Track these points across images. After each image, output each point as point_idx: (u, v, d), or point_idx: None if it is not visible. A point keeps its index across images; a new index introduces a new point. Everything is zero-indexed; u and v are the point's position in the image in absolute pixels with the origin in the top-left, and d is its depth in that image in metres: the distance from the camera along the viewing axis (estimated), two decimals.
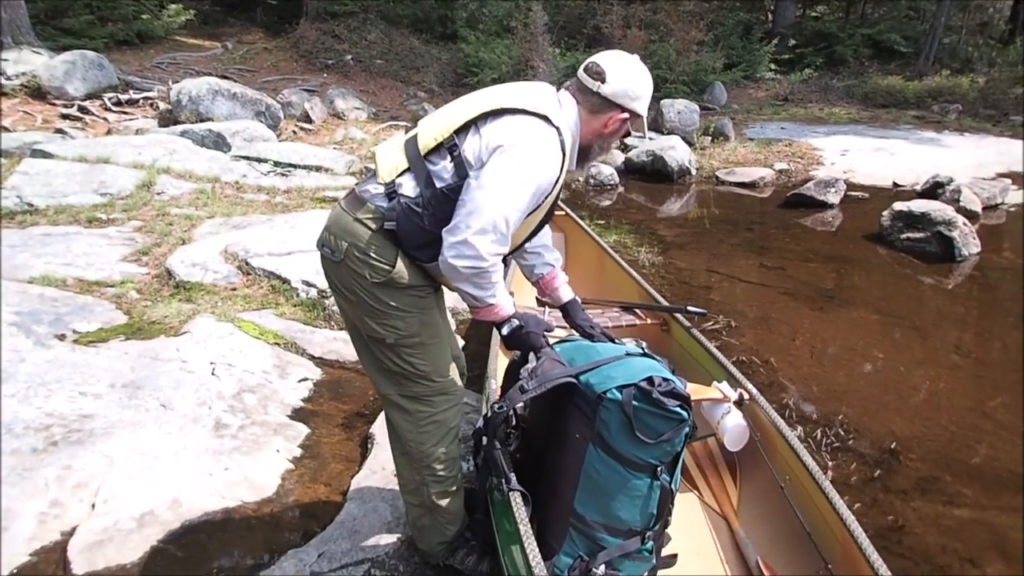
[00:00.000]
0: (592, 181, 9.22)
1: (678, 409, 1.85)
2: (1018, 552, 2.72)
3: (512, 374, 2.06)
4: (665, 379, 1.89)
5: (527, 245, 2.25)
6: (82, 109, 9.48)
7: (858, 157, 10.46)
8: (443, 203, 1.79)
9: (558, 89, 1.98)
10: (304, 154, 8.36)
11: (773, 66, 16.96)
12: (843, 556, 1.98)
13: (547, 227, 2.28)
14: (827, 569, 2.00)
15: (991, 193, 8.28)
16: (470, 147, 1.78)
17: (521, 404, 1.96)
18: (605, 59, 1.93)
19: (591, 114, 1.94)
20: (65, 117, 9.19)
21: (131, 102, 10.23)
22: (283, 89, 11.67)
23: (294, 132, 10.41)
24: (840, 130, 12.37)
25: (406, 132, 1.96)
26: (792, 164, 10.22)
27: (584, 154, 2.01)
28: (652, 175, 9.67)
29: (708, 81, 14.39)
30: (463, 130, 1.80)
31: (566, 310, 2.40)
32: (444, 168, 1.80)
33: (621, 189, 9.20)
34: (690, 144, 10.70)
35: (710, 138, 11.35)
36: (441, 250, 1.80)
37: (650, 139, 9.48)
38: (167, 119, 9.65)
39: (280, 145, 8.80)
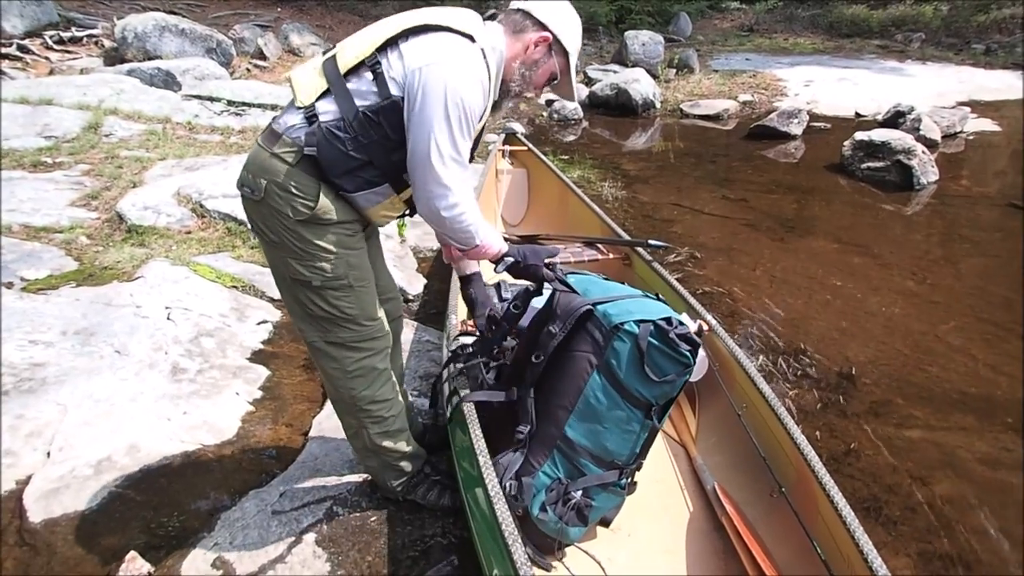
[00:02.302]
0: (556, 116, 9.10)
1: (687, 353, 1.89)
2: (966, 469, 2.82)
3: (524, 301, 2.14)
4: (680, 323, 1.92)
5: None
6: (21, 48, 9.04)
7: (821, 87, 10.46)
8: (365, 125, 1.69)
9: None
10: (259, 92, 8.09)
11: None
12: (797, 478, 2.03)
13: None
14: (781, 492, 2.04)
15: (951, 121, 8.36)
16: (393, 65, 1.67)
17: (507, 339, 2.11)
18: None
19: (514, 35, 1.81)
20: (3, 57, 8.75)
21: (74, 40, 9.77)
22: (235, 24, 11.23)
23: (247, 70, 10.06)
24: (804, 60, 12.32)
25: (324, 54, 1.82)
26: (756, 96, 10.19)
27: (505, 87, 1.85)
28: (616, 109, 9.60)
29: (673, 12, 14.20)
30: (385, 48, 1.69)
31: (466, 281, 2.39)
32: (366, 88, 1.69)
33: (585, 124, 9.10)
34: (655, 77, 10.59)
35: (675, 70, 11.23)
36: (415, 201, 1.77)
37: (574, 106, 9.31)
38: (113, 57, 9.25)
39: (233, 83, 8.50)
